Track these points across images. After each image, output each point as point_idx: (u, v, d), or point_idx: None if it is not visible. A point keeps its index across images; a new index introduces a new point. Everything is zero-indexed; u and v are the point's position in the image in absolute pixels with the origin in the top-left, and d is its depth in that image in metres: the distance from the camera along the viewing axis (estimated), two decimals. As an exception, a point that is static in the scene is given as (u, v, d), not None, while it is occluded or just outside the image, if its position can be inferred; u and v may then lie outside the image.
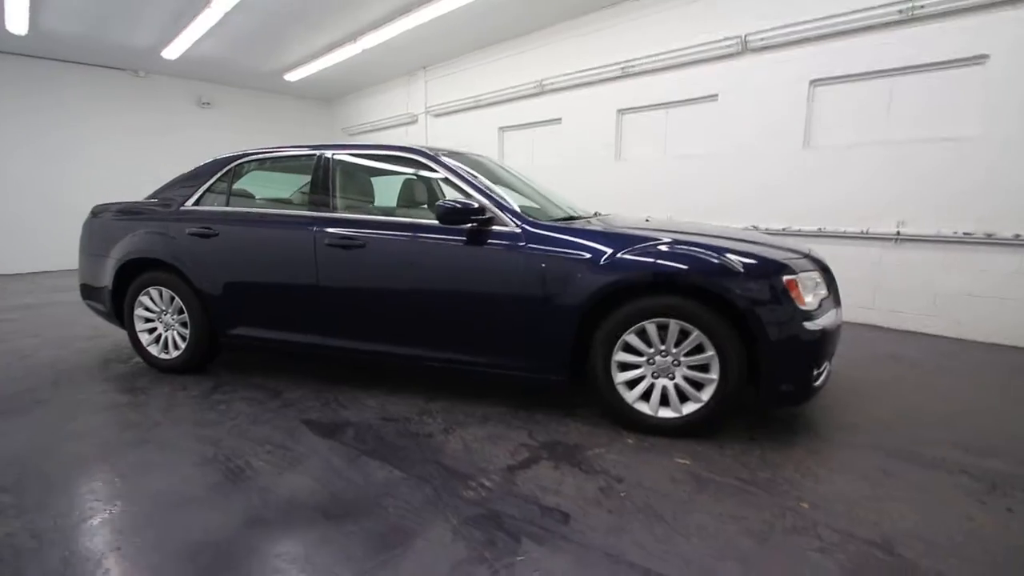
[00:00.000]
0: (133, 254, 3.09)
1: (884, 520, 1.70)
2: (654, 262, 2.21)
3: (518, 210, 2.49)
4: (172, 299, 3.08)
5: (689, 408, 2.26)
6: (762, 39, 4.69)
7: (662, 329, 2.25)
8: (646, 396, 2.32)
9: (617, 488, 1.89)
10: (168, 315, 3.12)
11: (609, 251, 2.28)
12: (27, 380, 3.04)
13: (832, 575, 1.45)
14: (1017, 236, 3.70)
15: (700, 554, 1.53)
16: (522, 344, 2.45)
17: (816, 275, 2.28)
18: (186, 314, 3.04)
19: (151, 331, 3.18)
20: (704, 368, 2.22)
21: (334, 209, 2.79)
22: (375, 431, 2.38)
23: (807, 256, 2.39)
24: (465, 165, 2.72)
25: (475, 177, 2.63)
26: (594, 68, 5.97)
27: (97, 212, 3.39)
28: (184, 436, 2.32)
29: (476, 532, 1.63)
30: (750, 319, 2.11)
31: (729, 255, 2.17)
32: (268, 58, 7.88)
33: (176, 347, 3.13)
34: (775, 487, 1.91)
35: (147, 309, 3.16)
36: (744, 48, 4.84)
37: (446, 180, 2.70)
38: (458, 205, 2.39)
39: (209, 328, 3.03)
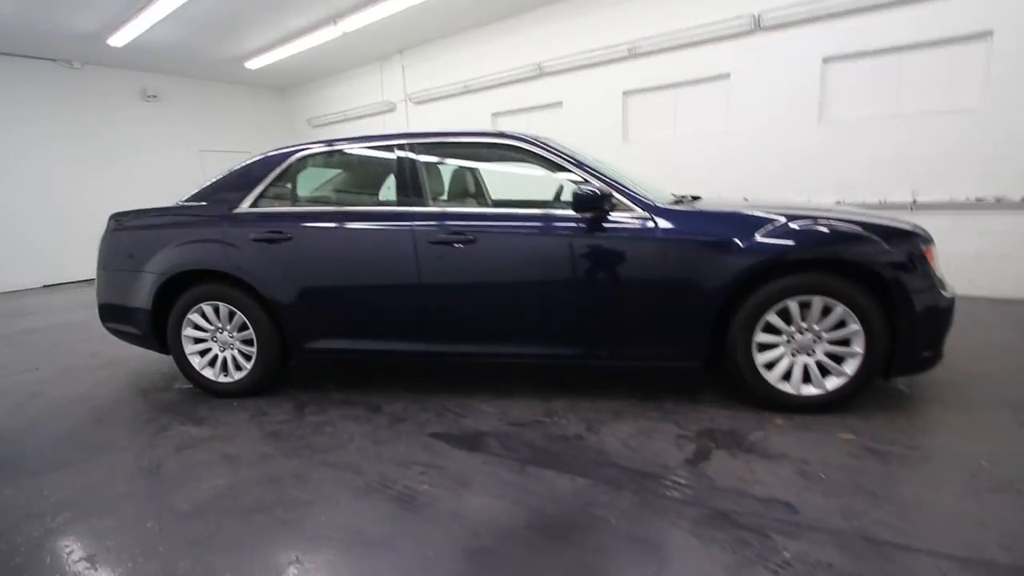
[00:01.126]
0: (182, 266, 2.71)
1: (1069, 471, 1.81)
2: (802, 241, 2.20)
3: (641, 194, 2.40)
4: (231, 315, 2.74)
5: (833, 383, 2.29)
6: (775, 17, 4.81)
7: (803, 307, 2.26)
8: (786, 376, 2.33)
9: (809, 470, 1.89)
10: (225, 333, 2.77)
11: (749, 232, 2.24)
12: (60, 422, 2.62)
13: (1075, 530, 1.51)
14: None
15: (946, 525, 1.56)
16: (654, 333, 2.39)
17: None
18: (250, 330, 2.71)
19: (202, 352, 2.82)
20: (845, 343, 2.26)
21: (427, 203, 2.57)
22: (517, 438, 2.24)
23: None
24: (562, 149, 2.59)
25: (593, 162, 2.51)
26: (598, 49, 5.90)
27: (121, 221, 2.94)
28: (312, 466, 2.07)
29: (718, 533, 1.57)
30: (896, 290, 2.15)
31: (871, 229, 2.20)
32: (230, 44, 7.19)
33: (238, 368, 2.80)
34: (947, 451, 1.98)
35: (198, 328, 2.79)
36: (757, 26, 4.94)
37: (552, 166, 2.55)
38: (596, 192, 2.26)
39: (280, 344, 2.72)
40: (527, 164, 2.61)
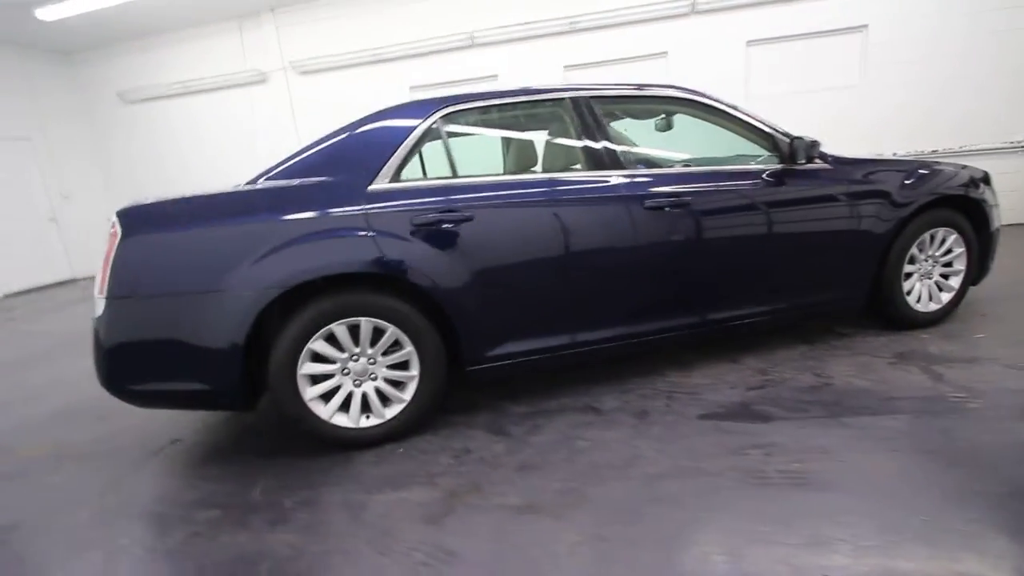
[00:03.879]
0: (311, 272, 1.86)
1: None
2: (945, 184, 2.59)
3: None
4: (375, 333, 1.99)
5: (945, 298, 2.78)
6: (708, 3, 5.39)
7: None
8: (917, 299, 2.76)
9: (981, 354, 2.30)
10: (363, 360, 2.01)
11: (905, 179, 2.56)
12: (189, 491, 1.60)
13: None
14: (895, 154, 5.42)
15: None
16: (834, 279, 2.56)
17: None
18: (405, 348, 2.02)
19: (324, 395, 2.00)
20: (948, 264, 2.77)
21: (623, 165, 2.25)
22: (778, 399, 2.17)
23: None
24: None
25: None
26: (539, 21, 5.78)
27: (151, 220, 1.85)
28: (639, 488, 1.69)
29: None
30: (986, 215, 2.72)
31: (972, 172, 2.71)
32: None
33: (385, 403, 2.06)
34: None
35: (320, 361, 1.97)
36: (692, 10, 5.47)
37: (732, 121, 2.48)
38: (811, 140, 2.28)
39: (448, 361, 2.10)
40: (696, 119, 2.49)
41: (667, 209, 2.21)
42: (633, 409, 2.20)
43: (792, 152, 2.36)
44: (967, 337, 2.64)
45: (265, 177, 2.09)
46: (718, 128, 2.51)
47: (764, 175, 2.39)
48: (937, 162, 2.75)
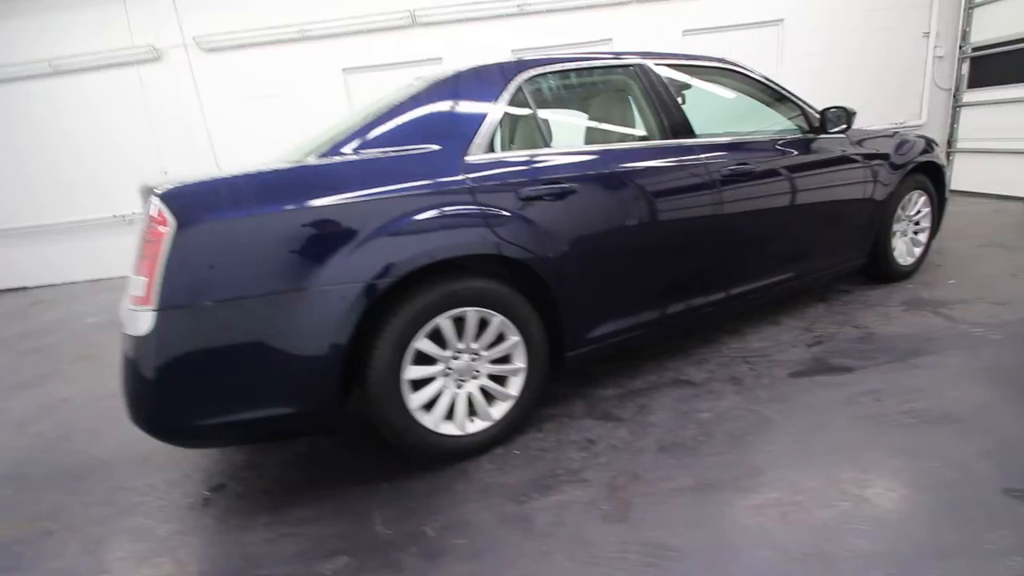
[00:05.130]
0: (423, 258, 1.58)
1: None
2: (920, 151, 2.95)
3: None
4: (481, 325, 1.77)
5: (917, 252, 3.20)
6: (649, -9, 5.62)
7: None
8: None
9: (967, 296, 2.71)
10: (466, 357, 1.78)
11: (896, 148, 2.87)
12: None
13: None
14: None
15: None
16: (849, 241, 2.81)
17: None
18: (510, 340, 1.82)
19: (426, 399, 1.74)
20: (917, 223, 3.19)
21: (692, 134, 2.23)
22: (845, 352, 2.34)
23: None
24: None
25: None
26: (487, 2, 5.58)
27: (213, 205, 1.43)
28: (794, 438, 1.70)
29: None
30: (943, 179, 3.17)
31: (926, 139, 3.12)
32: None
33: (490, 402, 1.85)
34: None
35: (423, 362, 1.70)
36: (635, -2, 5.67)
37: (770, 93, 2.58)
38: (842, 109, 2.45)
39: (550, 349, 1.93)
40: (737, 91, 2.56)
41: (739, 176, 2.25)
42: (723, 377, 2.22)
43: (823, 121, 2.52)
44: (943, 284, 3.06)
45: (320, 153, 1.73)
46: (737, 99, 2.58)
47: (810, 144, 2.53)
48: (899, 132, 3.14)
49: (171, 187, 1.43)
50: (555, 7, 5.68)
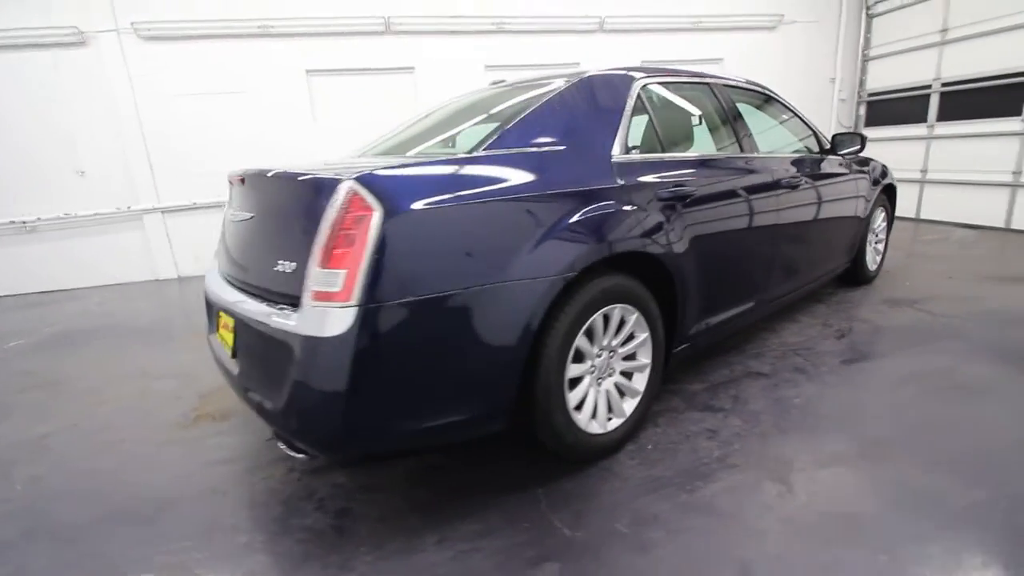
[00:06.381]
0: (595, 255, 1.59)
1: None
2: (883, 175, 3.51)
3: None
4: (620, 322, 1.81)
5: (877, 259, 3.78)
6: (614, 23, 6.04)
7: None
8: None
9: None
10: (603, 354, 1.80)
11: (872, 167, 3.39)
12: None
13: None
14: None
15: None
16: (845, 247, 3.25)
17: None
18: (640, 336, 1.88)
19: (579, 398, 1.73)
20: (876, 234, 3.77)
21: (744, 148, 2.46)
22: (876, 338, 2.68)
23: None
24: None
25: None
26: (467, 16, 5.62)
27: (417, 192, 1.32)
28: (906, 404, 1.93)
29: None
30: (895, 197, 3.80)
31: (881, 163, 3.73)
32: None
33: (621, 397, 1.88)
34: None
35: (579, 359, 1.70)
36: (600, 28, 6.04)
37: (792, 117, 2.92)
38: (854, 133, 2.85)
39: (668, 346, 2.02)
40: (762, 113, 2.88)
41: (793, 187, 2.52)
42: (787, 368, 2.44)
43: (834, 144, 2.92)
44: (901, 286, 3.63)
45: (486, 145, 1.65)
46: (769, 118, 2.90)
47: (830, 163, 2.91)
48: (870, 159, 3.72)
49: (370, 172, 1.31)
50: (530, 28, 5.88)
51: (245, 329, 1.51)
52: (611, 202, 1.68)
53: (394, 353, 1.30)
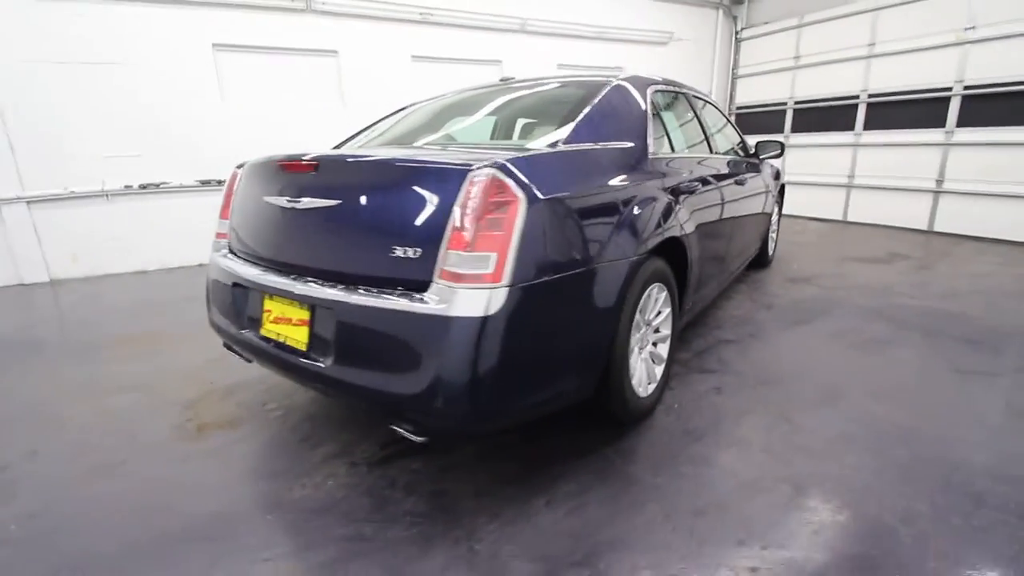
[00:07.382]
0: (658, 237, 1.89)
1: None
2: (777, 176, 4.29)
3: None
4: (658, 298, 2.09)
5: (773, 247, 4.61)
6: (535, 26, 6.34)
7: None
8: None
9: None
10: (643, 328, 2.07)
11: (775, 175, 4.13)
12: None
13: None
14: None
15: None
16: (759, 237, 3.93)
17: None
18: (668, 311, 2.18)
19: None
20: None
21: (711, 148, 2.90)
22: (804, 307, 3.32)
23: None
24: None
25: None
26: (390, 3, 5.46)
27: (551, 179, 1.46)
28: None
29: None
30: (783, 196, 4.66)
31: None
32: None
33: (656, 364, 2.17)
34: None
35: (636, 329, 1.95)
36: (522, 28, 6.30)
37: (726, 123, 3.44)
38: (773, 140, 3.47)
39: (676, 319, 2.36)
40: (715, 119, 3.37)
41: (740, 184, 3.02)
42: (745, 335, 2.94)
43: (757, 148, 3.53)
44: (791, 267, 4.48)
45: (564, 140, 1.79)
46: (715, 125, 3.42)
47: (757, 165, 3.49)
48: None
49: (510, 158, 1.40)
50: (454, 22, 5.92)
51: (348, 317, 1.46)
52: (660, 192, 1.94)
53: (534, 328, 1.41)
